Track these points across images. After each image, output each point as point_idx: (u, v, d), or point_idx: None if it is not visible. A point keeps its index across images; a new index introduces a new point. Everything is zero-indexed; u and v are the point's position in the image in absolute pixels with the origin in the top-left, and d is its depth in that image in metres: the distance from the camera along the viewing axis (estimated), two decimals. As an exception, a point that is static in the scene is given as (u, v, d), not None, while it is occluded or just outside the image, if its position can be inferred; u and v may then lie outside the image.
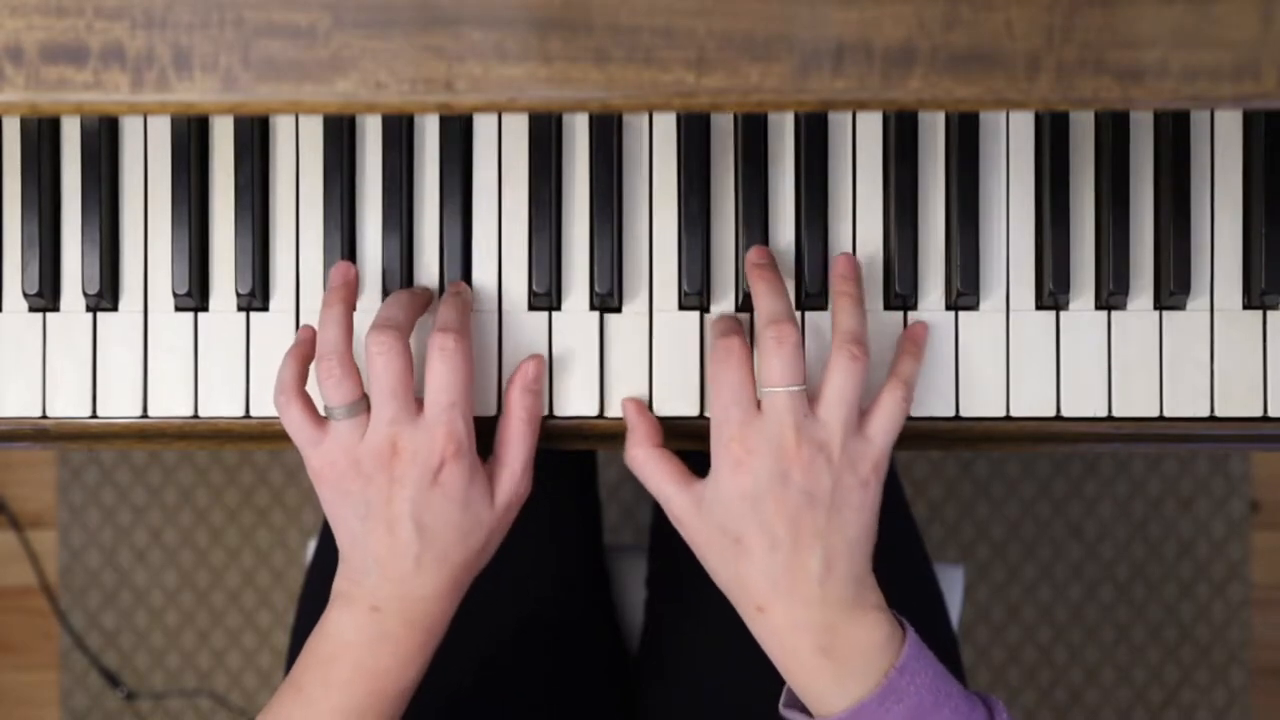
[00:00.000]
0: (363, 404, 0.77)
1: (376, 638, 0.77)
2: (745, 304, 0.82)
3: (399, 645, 0.78)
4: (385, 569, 0.77)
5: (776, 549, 0.75)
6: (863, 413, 0.77)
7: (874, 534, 0.77)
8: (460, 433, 0.76)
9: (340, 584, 0.79)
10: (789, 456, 0.75)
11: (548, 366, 0.82)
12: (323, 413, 0.77)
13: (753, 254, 0.81)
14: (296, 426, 0.77)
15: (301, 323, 0.83)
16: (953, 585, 1.16)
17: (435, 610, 0.78)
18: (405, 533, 0.76)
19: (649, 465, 0.79)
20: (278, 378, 0.79)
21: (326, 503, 0.78)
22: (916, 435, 0.82)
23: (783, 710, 0.80)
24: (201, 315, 0.83)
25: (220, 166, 0.83)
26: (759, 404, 0.76)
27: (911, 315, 0.82)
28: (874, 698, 0.74)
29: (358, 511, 0.77)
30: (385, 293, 0.82)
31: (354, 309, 0.80)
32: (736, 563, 0.76)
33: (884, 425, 0.77)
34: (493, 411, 0.82)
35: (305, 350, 0.80)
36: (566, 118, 0.83)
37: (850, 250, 0.83)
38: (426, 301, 0.82)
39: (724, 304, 0.82)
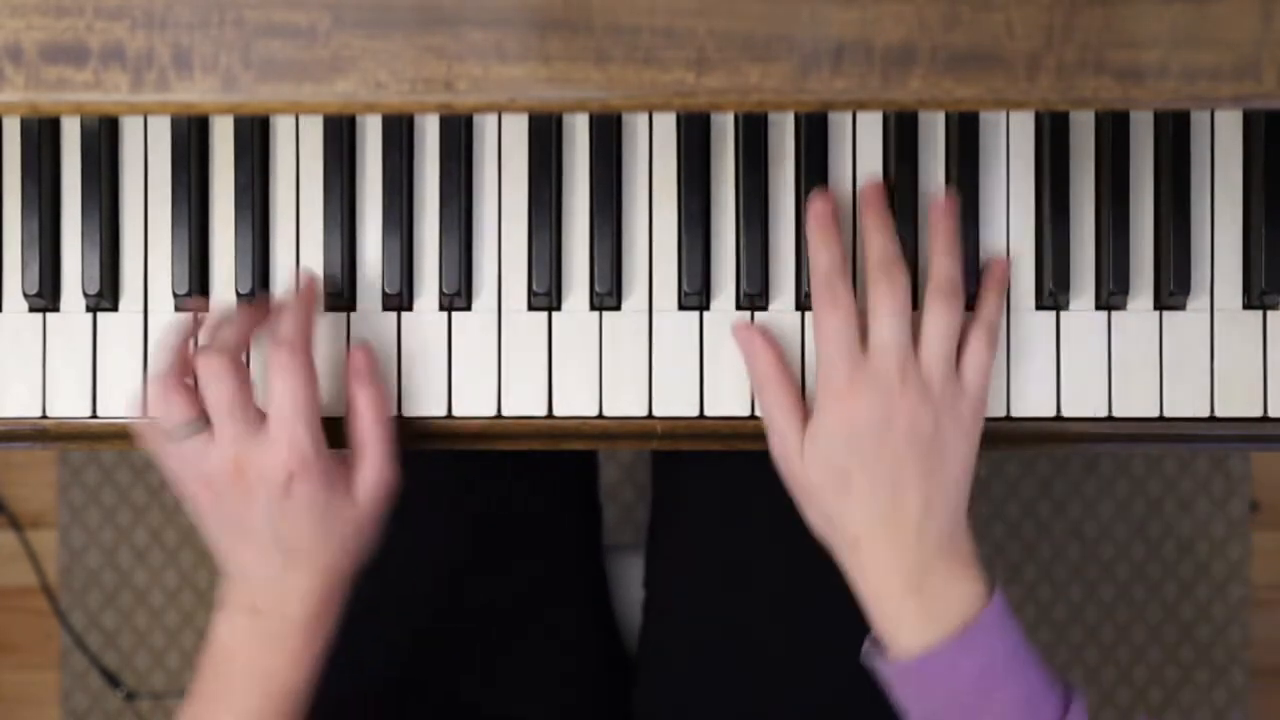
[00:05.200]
0: (200, 421, 0.77)
1: (261, 638, 0.79)
2: (744, 304, 0.82)
3: (284, 643, 0.79)
4: (256, 573, 0.78)
5: (878, 487, 0.76)
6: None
7: (970, 481, 0.78)
8: (303, 444, 0.76)
9: (224, 591, 0.80)
10: (894, 397, 0.76)
11: (547, 365, 0.82)
12: (167, 440, 0.78)
13: (867, 189, 0.81)
14: (150, 442, 0.78)
15: (301, 323, 0.83)
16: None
17: (314, 607, 0.79)
18: (266, 543, 0.77)
19: (773, 392, 0.79)
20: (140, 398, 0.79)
21: (192, 516, 0.79)
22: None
23: (864, 657, 0.80)
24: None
25: (220, 166, 0.83)
26: (863, 346, 0.77)
27: (911, 315, 0.82)
28: (948, 645, 0.75)
29: (220, 525, 0.78)
30: (386, 293, 0.82)
31: (195, 336, 0.80)
32: (838, 500, 0.77)
33: (976, 365, 0.78)
34: (492, 412, 0.82)
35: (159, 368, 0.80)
36: (566, 118, 0.83)
37: (850, 251, 0.83)
38: (263, 312, 0.81)
39: (724, 304, 0.82)
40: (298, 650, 0.79)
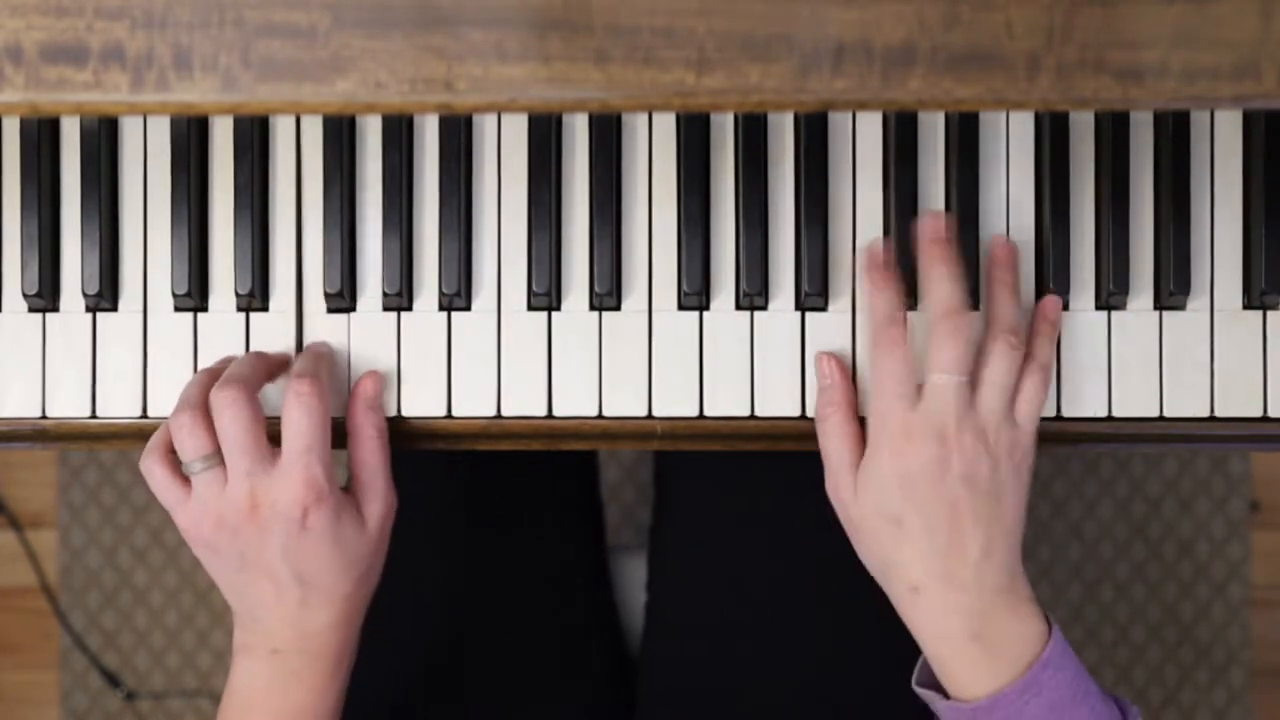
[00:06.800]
0: (218, 457, 0.77)
1: (283, 678, 0.78)
2: (744, 304, 0.82)
3: (307, 680, 0.79)
4: (274, 613, 0.78)
5: (935, 533, 0.76)
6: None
7: (1024, 521, 0.78)
8: (319, 478, 0.76)
9: (238, 637, 0.80)
10: (950, 443, 0.75)
11: (547, 365, 0.82)
12: (184, 470, 0.78)
13: (929, 226, 0.79)
14: (161, 487, 0.78)
15: (302, 324, 0.83)
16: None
17: (335, 640, 0.79)
18: (284, 579, 0.77)
19: (837, 431, 0.79)
20: (148, 443, 0.79)
21: (203, 561, 0.79)
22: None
23: (915, 687, 0.80)
24: (201, 315, 0.83)
25: (220, 166, 0.83)
26: (919, 388, 0.76)
27: (911, 315, 0.82)
28: (1015, 689, 0.75)
29: (233, 564, 0.78)
30: (386, 293, 0.82)
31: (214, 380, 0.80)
32: (894, 545, 0.77)
33: (1029, 411, 0.78)
34: (492, 412, 0.82)
35: None
36: (566, 118, 0.83)
37: (850, 250, 0.83)
38: (280, 363, 0.82)
39: (724, 304, 0.82)
40: (322, 684, 0.79)
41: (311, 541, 0.77)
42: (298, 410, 0.76)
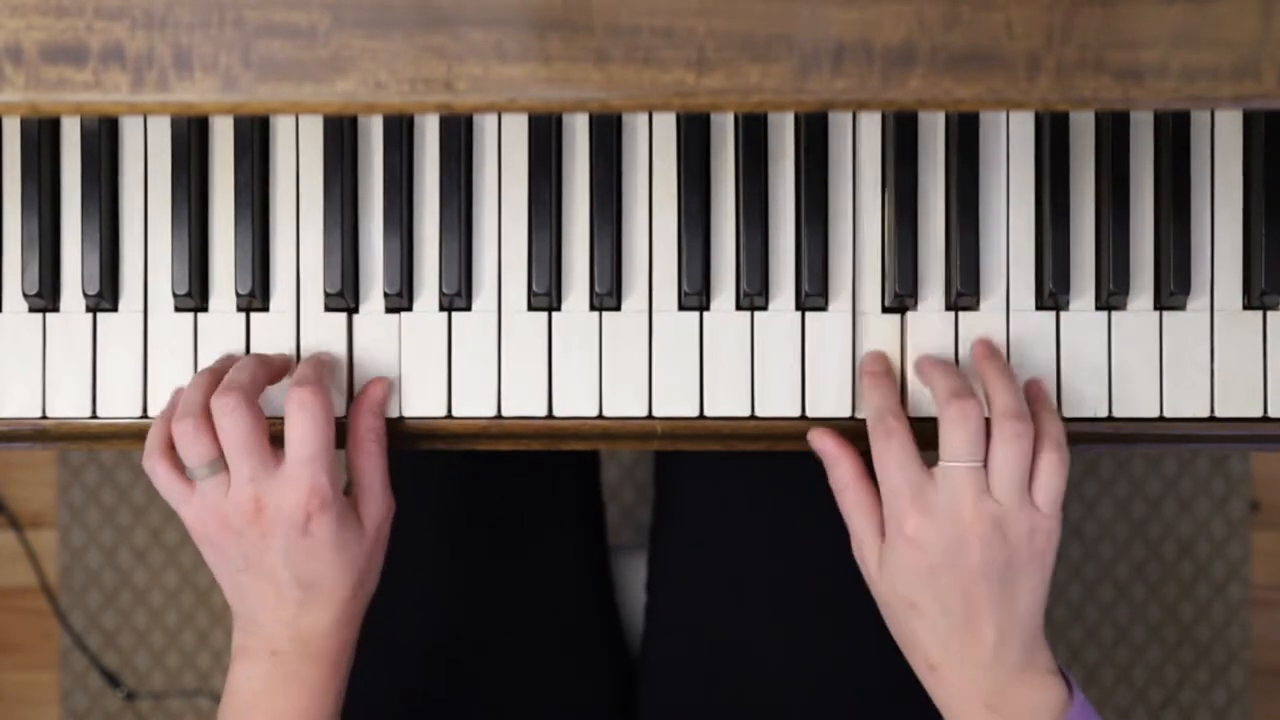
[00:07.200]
0: (222, 462, 0.77)
1: (283, 681, 0.79)
2: (744, 304, 0.82)
3: (307, 683, 0.79)
4: (274, 615, 0.78)
5: (950, 616, 0.76)
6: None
7: (1045, 598, 0.78)
8: (323, 485, 0.76)
9: (238, 639, 0.80)
10: (966, 530, 0.75)
11: (547, 365, 0.82)
12: (189, 475, 0.78)
13: (920, 362, 0.81)
14: (165, 485, 0.78)
15: (301, 324, 0.83)
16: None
17: (335, 642, 0.79)
18: (285, 582, 0.77)
19: (855, 510, 0.79)
20: (146, 442, 0.79)
21: (207, 558, 0.79)
22: (917, 437, 0.82)
23: None
24: (201, 316, 0.83)
25: (220, 166, 0.83)
26: (930, 472, 0.76)
27: (910, 316, 0.82)
28: None
29: (236, 565, 0.78)
30: (386, 293, 0.82)
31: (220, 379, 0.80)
32: (910, 624, 0.77)
33: (1049, 494, 0.76)
34: (492, 412, 0.82)
35: (172, 414, 0.80)
36: (566, 118, 0.83)
37: (850, 250, 0.83)
38: (280, 366, 0.82)
39: (724, 304, 0.82)
40: (322, 685, 0.79)
41: (313, 546, 0.77)
42: (301, 417, 0.76)
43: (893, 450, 0.76)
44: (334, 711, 0.80)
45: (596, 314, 0.83)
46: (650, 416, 0.82)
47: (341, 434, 0.81)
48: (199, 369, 0.82)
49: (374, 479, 0.80)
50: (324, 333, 0.83)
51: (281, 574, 0.77)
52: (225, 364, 0.81)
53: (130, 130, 0.84)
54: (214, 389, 0.78)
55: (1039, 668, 0.77)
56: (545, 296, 0.82)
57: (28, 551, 1.79)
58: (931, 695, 0.79)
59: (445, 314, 0.83)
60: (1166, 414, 0.82)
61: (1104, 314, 0.83)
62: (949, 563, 0.75)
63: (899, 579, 0.76)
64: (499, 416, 0.83)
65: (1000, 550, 0.75)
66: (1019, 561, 0.76)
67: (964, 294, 0.82)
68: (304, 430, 0.76)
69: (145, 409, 0.83)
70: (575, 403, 0.83)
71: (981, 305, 0.83)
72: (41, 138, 0.83)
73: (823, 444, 0.80)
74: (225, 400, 0.76)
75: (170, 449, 0.78)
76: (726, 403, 0.82)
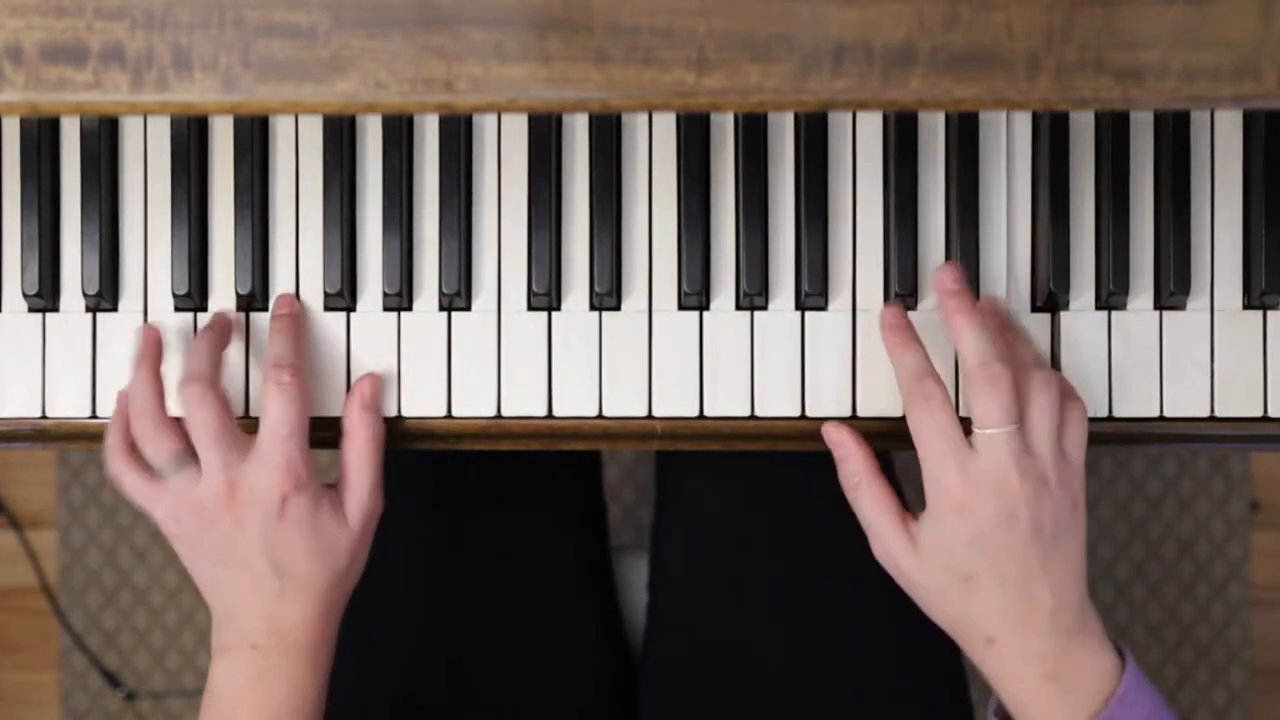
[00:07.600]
0: (188, 454, 0.77)
1: (264, 674, 0.78)
2: (744, 303, 0.82)
3: (287, 675, 0.78)
4: (251, 607, 0.77)
5: (1006, 585, 0.75)
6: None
7: (1085, 560, 0.77)
8: (299, 465, 0.76)
9: (216, 639, 0.79)
10: (1014, 495, 0.74)
11: (547, 365, 0.82)
12: (158, 472, 0.78)
13: (945, 278, 0.78)
14: (134, 486, 0.78)
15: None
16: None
17: (314, 634, 0.79)
18: (261, 569, 0.77)
19: (870, 503, 0.78)
20: (106, 448, 0.79)
21: (182, 557, 0.79)
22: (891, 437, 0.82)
23: (991, 717, 0.80)
24: (201, 316, 0.83)
25: (220, 166, 0.83)
26: (969, 442, 0.75)
27: (911, 315, 0.82)
28: None
29: (212, 557, 0.77)
30: (386, 293, 0.82)
31: (160, 366, 0.80)
32: (964, 600, 0.76)
33: (1075, 440, 0.76)
34: (492, 412, 0.82)
35: (125, 415, 0.79)
36: (566, 118, 0.83)
37: (850, 250, 0.83)
38: (226, 329, 0.81)
39: (724, 304, 0.82)
40: (303, 677, 0.78)
41: (289, 530, 0.76)
42: (280, 399, 0.76)
43: (935, 415, 0.75)
44: (316, 705, 0.80)
45: (596, 314, 0.83)
46: (650, 416, 0.82)
47: (338, 431, 0.81)
48: (135, 364, 0.81)
49: (361, 473, 0.79)
50: (324, 332, 0.83)
51: (257, 562, 0.77)
52: (154, 354, 0.80)
53: (130, 130, 0.84)
54: (158, 383, 0.78)
55: (1093, 633, 0.76)
56: (545, 296, 0.82)
57: (28, 551, 1.79)
58: (986, 673, 0.77)
59: (445, 314, 0.83)
60: (1166, 414, 0.82)
61: (1104, 314, 0.83)
62: (1001, 529, 0.74)
63: (950, 554, 0.75)
64: (499, 416, 0.83)
65: (1048, 509, 0.74)
66: (1063, 518, 0.75)
67: (964, 294, 0.82)
68: (282, 411, 0.76)
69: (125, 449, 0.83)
70: (575, 402, 0.83)
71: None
72: (41, 138, 0.83)
73: (840, 436, 0.79)
74: (191, 391, 0.76)
75: (132, 449, 0.78)
76: (726, 402, 0.82)
